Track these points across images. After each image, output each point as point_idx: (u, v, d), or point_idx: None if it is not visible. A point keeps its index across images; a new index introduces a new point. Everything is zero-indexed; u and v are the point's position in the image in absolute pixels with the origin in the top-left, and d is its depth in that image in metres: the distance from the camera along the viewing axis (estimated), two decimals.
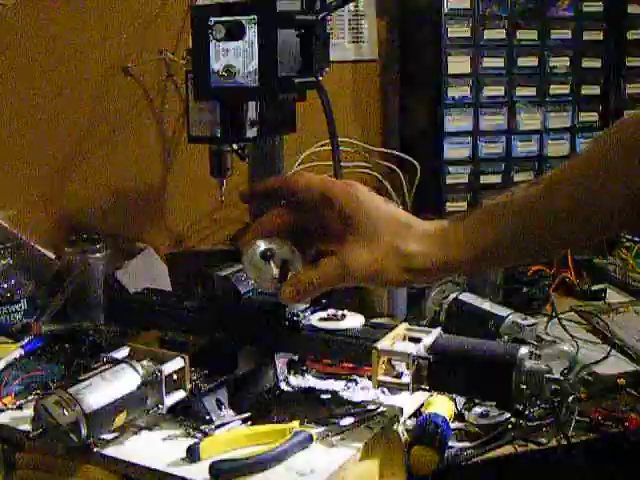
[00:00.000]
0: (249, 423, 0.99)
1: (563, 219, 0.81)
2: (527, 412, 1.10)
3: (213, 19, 1.12)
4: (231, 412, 1.01)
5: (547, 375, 0.91)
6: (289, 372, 1.13)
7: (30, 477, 0.95)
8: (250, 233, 0.96)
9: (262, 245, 0.95)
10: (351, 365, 1.10)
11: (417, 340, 0.98)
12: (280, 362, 1.11)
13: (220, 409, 1.01)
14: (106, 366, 0.95)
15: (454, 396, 1.09)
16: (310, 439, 0.93)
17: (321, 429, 0.96)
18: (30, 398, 1.06)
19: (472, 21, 1.77)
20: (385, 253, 0.87)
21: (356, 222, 0.88)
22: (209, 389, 1.01)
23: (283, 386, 1.10)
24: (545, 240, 0.84)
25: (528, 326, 1.27)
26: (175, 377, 0.96)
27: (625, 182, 0.77)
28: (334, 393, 1.08)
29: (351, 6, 1.87)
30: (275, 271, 0.95)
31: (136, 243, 1.71)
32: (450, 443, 1.04)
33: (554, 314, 1.44)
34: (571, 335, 1.37)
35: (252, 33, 1.10)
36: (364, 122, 1.95)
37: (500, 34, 1.80)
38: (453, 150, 1.81)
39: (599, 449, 1.10)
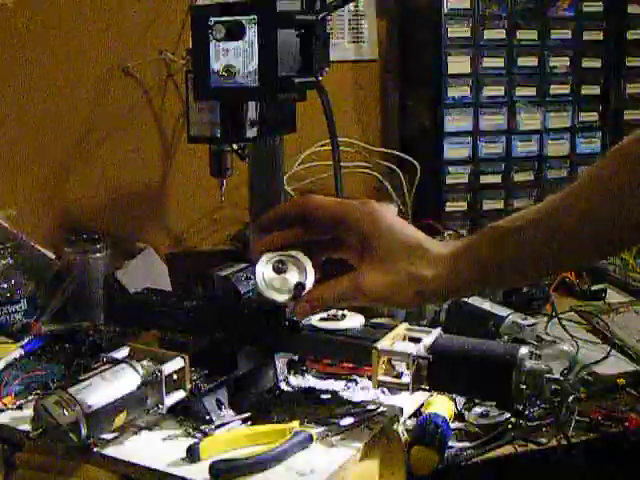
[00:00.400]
0: (249, 423, 0.99)
1: (572, 236, 0.80)
2: (527, 412, 1.10)
3: (213, 19, 1.11)
4: (231, 412, 1.01)
5: (547, 375, 0.91)
6: (289, 372, 1.13)
7: (30, 477, 0.95)
8: (261, 243, 0.96)
9: (273, 259, 0.95)
10: (351, 365, 1.10)
11: (417, 340, 0.98)
12: (280, 362, 1.11)
13: (220, 409, 1.01)
14: (106, 366, 0.95)
15: (454, 396, 1.09)
16: (310, 439, 0.93)
17: (321, 429, 0.96)
18: (30, 398, 1.06)
19: (472, 21, 1.77)
20: (399, 277, 0.88)
21: (372, 243, 0.89)
22: (209, 389, 1.01)
23: (283, 386, 1.10)
24: (555, 256, 0.83)
25: (528, 326, 1.27)
26: (175, 377, 0.96)
27: (636, 198, 0.77)
28: (334, 393, 1.08)
29: (351, 6, 1.87)
30: (289, 283, 0.95)
31: (136, 243, 1.71)
32: (450, 443, 1.04)
33: (554, 314, 1.44)
34: (571, 335, 1.37)
35: (252, 33, 1.10)
36: (364, 122, 1.95)
37: (500, 34, 1.80)
38: (453, 150, 1.81)
39: (599, 449, 1.10)
